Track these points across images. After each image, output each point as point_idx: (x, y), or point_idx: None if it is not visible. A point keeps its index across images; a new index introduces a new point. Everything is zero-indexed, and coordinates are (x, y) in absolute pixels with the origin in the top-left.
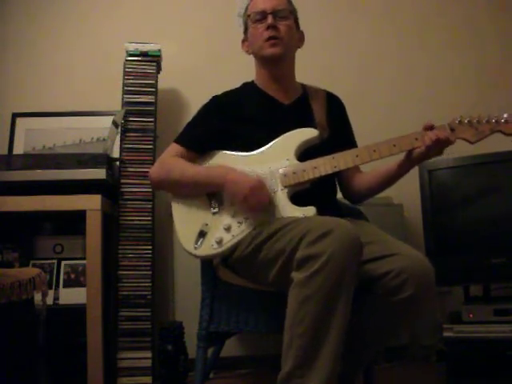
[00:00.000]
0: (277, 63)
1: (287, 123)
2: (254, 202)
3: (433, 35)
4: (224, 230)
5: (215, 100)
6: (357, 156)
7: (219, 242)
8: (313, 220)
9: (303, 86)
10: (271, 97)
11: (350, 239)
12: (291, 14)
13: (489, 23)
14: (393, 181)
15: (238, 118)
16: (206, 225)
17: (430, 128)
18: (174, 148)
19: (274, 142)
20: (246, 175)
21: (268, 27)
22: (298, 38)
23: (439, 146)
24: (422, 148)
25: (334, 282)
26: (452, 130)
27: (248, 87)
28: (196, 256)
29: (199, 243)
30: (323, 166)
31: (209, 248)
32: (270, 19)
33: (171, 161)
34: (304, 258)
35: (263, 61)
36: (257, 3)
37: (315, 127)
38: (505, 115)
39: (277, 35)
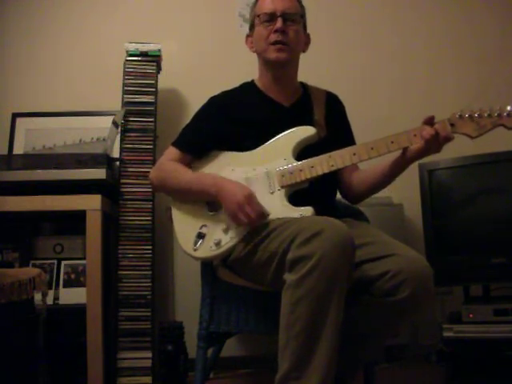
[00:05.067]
0: (281, 67)
1: (287, 125)
2: (242, 217)
3: (432, 30)
4: (222, 232)
5: (213, 101)
6: (354, 154)
7: (218, 244)
8: (304, 220)
9: (304, 86)
10: (272, 99)
11: (342, 239)
12: (301, 18)
13: (488, 16)
14: (391, 179)
15: (236, 120)
16: (205, 226)
17: (430, 121)
18: (172, 151)
19: (271, 141)
20: (233, 192)
21: (276, 30)
22: (305, 42)
23: (438, 141)
24: (421, 143)
25: (325, 283)
26: (452, 125)
27: (247, 87)
28: (195, 258)
29: (198, 245)
30: (320, 165)
31: (207, 250)
32: (279, 22)
33: (168, 167)
34: (295, 260)
35: (267, 63)
36: (266, 2)
37: (313, 126)
38: (508, 108)
39: (284, 40)
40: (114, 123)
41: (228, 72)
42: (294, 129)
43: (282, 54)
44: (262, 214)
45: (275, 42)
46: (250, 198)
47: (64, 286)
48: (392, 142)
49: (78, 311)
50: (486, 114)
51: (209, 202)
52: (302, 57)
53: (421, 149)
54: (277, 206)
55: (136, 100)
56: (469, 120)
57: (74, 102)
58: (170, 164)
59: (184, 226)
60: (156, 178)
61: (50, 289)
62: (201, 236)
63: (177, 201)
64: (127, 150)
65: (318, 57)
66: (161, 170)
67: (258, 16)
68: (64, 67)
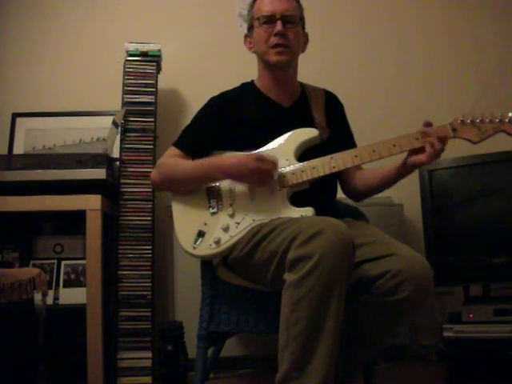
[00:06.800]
0: (281, 69)
1: (287, 126)
2: (263, 173)
3: (432, 32)
4: (222, 230)
5: (213, 102)
6: (356, 156)
7: (217, 242)
8: (305, 220)
9: (302, 86)
10: (271, 99)
11: (341, 239)
12: (300, 19)
13: (489, 18)
14: (393, 182)
15: (236, 121)
16: (205, 225)
17: (429, 125)
18: (173, 151)
19: (273, 142)
20: (239, 157)
21: (276, 33)
22: (304, 42)
23: (442, 143)
24: (430, 150)
25: (325, 283)
26: (454, 130)
27: (247, 88)
28: (194, 256)
29: (198, 243)
30: (322, 166)
31: (207, 248)
32: (279, 25)
33: (169, 161)
34: (295, 259)
35: (267, 65)
36: (265, 4)
37: (315, 127)
38: (510, 114)
39: (285, 43)
40: (114, 123)
41: (228, 72)
42: (296, 130)
43: (282, 56)
44: (275, 163)
45: (276, 45)
46: (259, 158)
47: (64, 286)
48: (394, 146)
49: (78, 311)
50: (487, 120)
51: (210, 197)
52: (301, 56)
53: (426, 154)
54: (278, 206)
55: (136, 100)
56: (471, 125)
57: (74, 102)
58: (172, 159)
59: (184, 224)
60: (159, 173)
61: (50, 289)
62: (201, 234)
63: (178, 198)
64: (127, 150)
65: (316, 57)
66: (163, 167)
67: (258, 19)
68: (64, 67)
